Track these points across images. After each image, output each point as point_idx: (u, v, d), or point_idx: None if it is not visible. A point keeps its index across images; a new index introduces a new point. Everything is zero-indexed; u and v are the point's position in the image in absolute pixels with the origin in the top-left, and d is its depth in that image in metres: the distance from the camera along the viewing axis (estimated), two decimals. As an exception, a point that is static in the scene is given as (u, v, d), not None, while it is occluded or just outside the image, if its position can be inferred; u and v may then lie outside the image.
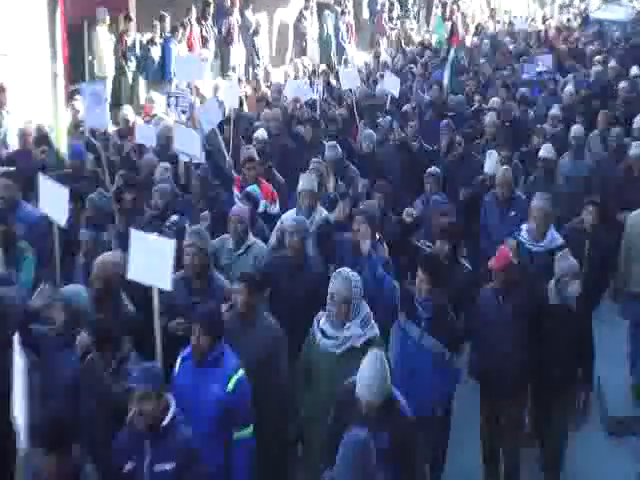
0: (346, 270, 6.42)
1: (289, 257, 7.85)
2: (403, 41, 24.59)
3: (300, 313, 7.03)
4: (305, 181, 9.03)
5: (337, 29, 23.84)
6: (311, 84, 15.84)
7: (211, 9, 19.74)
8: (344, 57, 22.71)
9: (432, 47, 22.63)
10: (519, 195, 9.97)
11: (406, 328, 6.97)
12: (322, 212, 8.94)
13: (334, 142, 11.14)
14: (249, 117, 14.19)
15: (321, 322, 6.46)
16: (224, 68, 19.98)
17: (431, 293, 6.81)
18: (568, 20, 31.03)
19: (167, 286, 6.36)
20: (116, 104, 15.90)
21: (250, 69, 20.57)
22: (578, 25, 29.17)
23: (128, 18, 17.46)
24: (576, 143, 11.97)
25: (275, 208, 9.84)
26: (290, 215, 8.72)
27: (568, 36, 24.67)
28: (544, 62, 19.03)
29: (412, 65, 19.56)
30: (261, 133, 11.75)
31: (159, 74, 17.68)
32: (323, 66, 19.40)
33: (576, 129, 12.17)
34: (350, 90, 14.53)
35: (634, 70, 18.10)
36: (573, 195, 10.65)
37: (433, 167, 10.51)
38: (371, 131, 12.33)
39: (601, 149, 12.85)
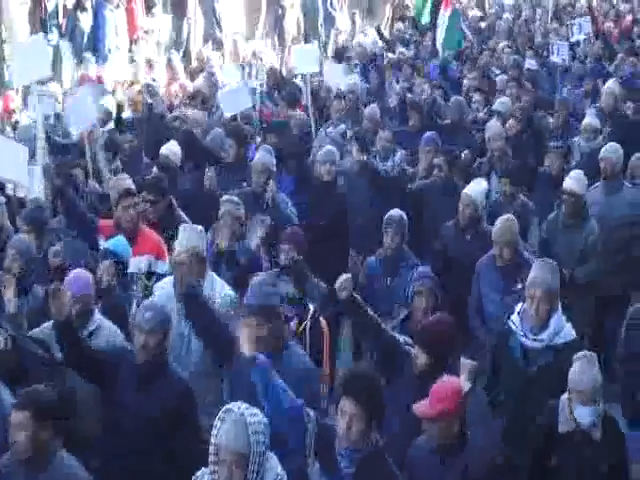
0: (239, 409, 4.81)
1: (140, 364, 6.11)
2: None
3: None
4: (189, 236, 6.83)
5: (325, -7, 20.93)
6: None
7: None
8: (333, 29, 19.73)
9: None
10: (528, 258, 7.86)
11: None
12: (215, 283, 6.92)
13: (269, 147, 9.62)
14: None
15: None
16: (176, 43, 17.57)
17: (363, 437, 5.12)
18: None
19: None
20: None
21: (209, 44, 17.93)
22: None
23: (48, -24, 15.25)
24: (611, 170, 9.34)
25: (165, 266, 7.69)
26: (164, 290, 6.88)
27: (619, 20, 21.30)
28: (582, 28, 16.57)
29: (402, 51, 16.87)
30: (171, 148, 9.81)
31: (89, 49, 15.49)
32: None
33: (609, 148, 9.53)
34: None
35: None
36: (608, 249, 8.80)
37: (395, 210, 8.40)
38: (331, 149, 9.83)
39: None
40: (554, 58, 15.55)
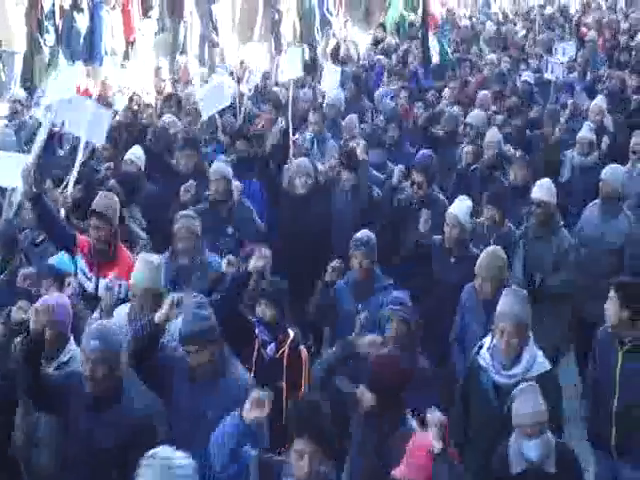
0: (165, 454, 4.45)
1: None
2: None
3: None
4: (144, 272, 6.44)
5: (322, -1, 20.44)
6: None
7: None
8: (330, 33, 19.34)
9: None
10: None
11: None
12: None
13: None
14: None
15: None
16: (174, 45, 17.19)
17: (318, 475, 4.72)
18: None
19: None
20: (27, 88, 13.92)
21: (206, 48, 17.62)
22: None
23: (44, -24, 14.84)
24: (611, 192, 8.70)
25: (123, 287, 6.99)
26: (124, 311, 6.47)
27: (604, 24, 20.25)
28: (565, 52, 15.40)
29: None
30: (135, 152, 9.37)
31: (86, 51, 15.20)
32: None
33: (611, 170, 8.91)
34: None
35: None
36: (593, 272, 8.28)
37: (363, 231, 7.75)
38: (305, 161, 9.28)
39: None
40: (548, 76, 14.73)
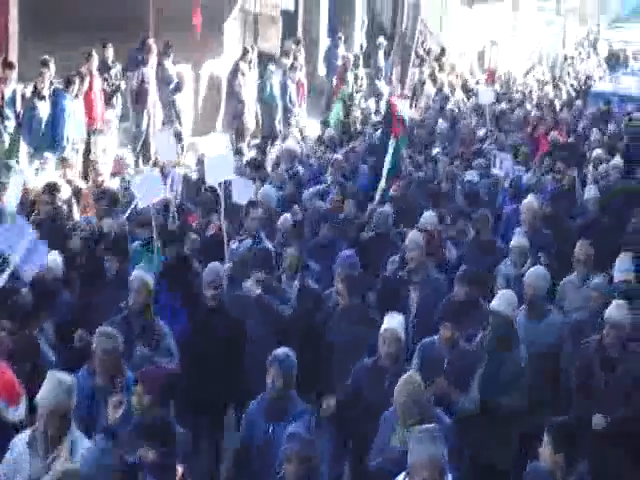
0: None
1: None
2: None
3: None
4: (51, 391, 6.05)
5: (284, 88, 20.07)
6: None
7: (109, 52, 16.26)
8: (293, 124, 18.88)
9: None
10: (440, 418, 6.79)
11: None
12: (77, 443, 6.02)
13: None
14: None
15: None
16: (136, 133, 17.01)
17: None
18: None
19: None
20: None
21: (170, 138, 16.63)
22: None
23: (7, 64, 14.52)
24: (535, 294, 8.50)
25: (17, 411, 6.75)
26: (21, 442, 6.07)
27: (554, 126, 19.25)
28: (502, 165, 14.32)
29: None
30: (53, 258, 8.73)
31: (47, 138, 14.77)
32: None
33: (535, 272, 8.71)
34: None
35: None
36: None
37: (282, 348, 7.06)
38: (215, 269, 8.56)
39: (580, 301, 9.12)
40: (495, 170, 14.09)
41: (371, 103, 22.13)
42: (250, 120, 18.97)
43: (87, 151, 15.20)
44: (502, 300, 7.84)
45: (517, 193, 12.53)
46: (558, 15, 40.41)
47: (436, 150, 16.49)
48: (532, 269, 8.74)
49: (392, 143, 12.36)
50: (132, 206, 10.58)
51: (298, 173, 13.73)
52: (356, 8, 25.15)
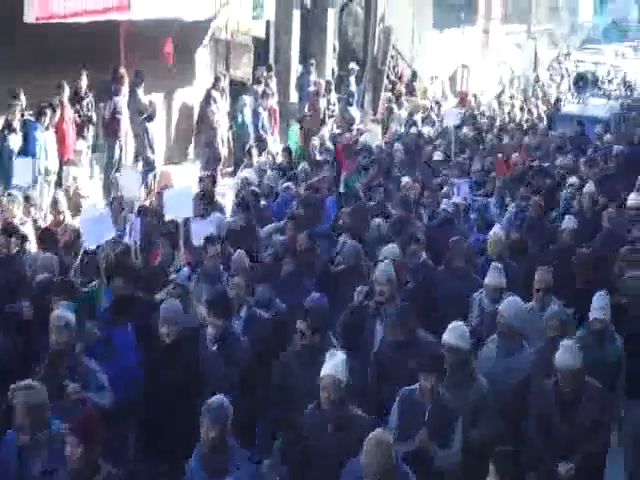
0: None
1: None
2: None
3: None
4: None
5: (256, 115, 19.95)
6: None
7: (83, 82, 16.01)
8: (265, 152, 18.44)
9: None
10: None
11: None
12: None
13: None
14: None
15: None
16: (108, 163, 16.76)
17: None
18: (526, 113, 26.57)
19: None
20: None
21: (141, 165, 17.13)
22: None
23: (-23, 97, 14.38)
24: (508, 328, 8.18)
25: None
26: None
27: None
28: (460, 191, 13.99)
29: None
30: None
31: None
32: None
33: (509, 304, 8.43)
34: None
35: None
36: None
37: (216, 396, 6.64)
38: (172, 307, 8.05)
39: (537, 331, 8.71)
40: (455, 199, 13.45)
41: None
42: (222, 148, 18.85)
43: (59, 183, 15.04)
44: (452, 332, 7.55)
45: (484, 223, 12.34)
46: (529, 38, 40.53)
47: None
48: (505, 303, 8.37)
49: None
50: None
51: (249, 204, 12.46)
52: (327, 34, 25.01)
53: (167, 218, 10.05)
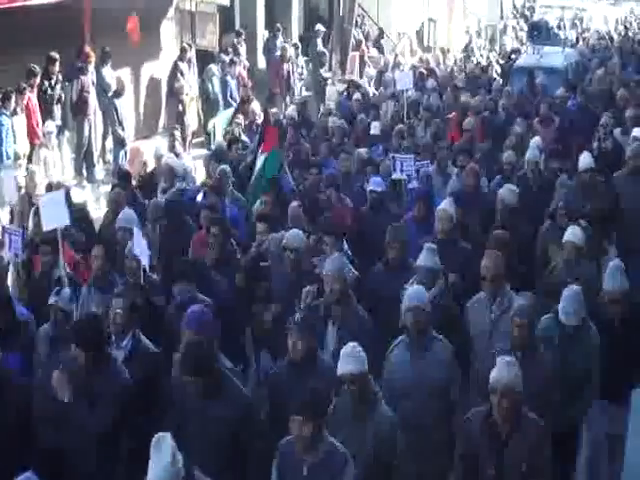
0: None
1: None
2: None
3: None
4: None
5: (225, 84, 19.78)
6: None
7: (56, 67, 15.83)
8: (235, 122, 17.83)
9: None
10: None
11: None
12: None
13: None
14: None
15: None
16: (78, 142, 16.70)
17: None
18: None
19: None
20: None
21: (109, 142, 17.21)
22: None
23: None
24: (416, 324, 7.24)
25: None
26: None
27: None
28: (403, 166, 12.01)
29: None
30: None
31: None
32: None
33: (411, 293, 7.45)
34: None
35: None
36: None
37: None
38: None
39: (487, 325, 7.90)
40: (396, 175, 11.96)
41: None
42: (192, 120, 18.80)
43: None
44: (351, 357, 6.30)
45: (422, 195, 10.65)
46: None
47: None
48: (409, 291, 7.31)
49: (262, 158, 11.75)
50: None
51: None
52: (293, -3, 24.94)
53: (45, 229, 9.14)
